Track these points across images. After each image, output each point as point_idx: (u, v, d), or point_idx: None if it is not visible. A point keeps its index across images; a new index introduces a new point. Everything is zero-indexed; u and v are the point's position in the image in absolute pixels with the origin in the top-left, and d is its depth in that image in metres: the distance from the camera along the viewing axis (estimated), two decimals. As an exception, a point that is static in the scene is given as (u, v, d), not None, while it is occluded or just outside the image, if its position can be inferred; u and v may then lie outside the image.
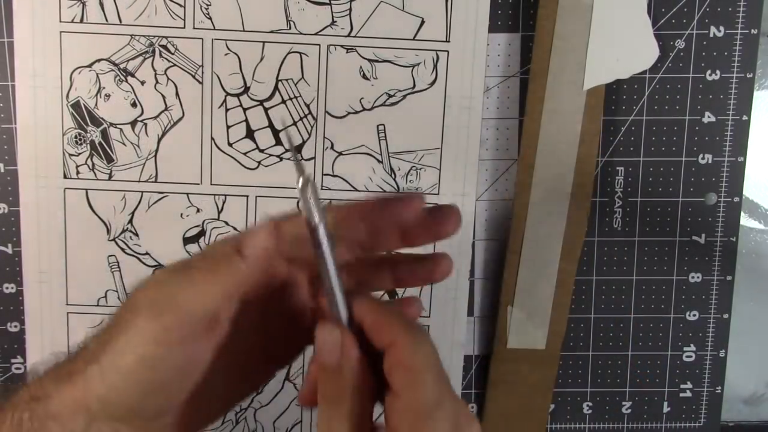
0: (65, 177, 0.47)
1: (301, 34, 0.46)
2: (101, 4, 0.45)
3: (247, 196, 0.47)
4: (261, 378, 0.33)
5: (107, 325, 0.28)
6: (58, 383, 0.28)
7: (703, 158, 0.48)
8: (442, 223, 0.30)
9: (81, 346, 0.29)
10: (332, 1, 0.45)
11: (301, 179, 0.27)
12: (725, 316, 0.50)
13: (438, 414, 0.26)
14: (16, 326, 0.48)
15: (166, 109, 0.46)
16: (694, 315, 0.50)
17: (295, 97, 0.46)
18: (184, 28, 0.46)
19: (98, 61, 0.46)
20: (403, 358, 0.26)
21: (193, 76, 0.46)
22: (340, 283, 0.27)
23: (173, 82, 0.46)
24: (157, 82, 0.46)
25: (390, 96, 0.47)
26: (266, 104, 0.47)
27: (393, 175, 0.47)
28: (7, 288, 0.48)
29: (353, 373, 0.26)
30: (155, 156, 0.47)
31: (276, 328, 0.32)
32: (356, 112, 0.47)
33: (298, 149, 0.28)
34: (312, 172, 0.27)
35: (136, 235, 0.47)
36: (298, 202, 0.29)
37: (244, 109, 0.47)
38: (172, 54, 0.46)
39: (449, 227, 0.30)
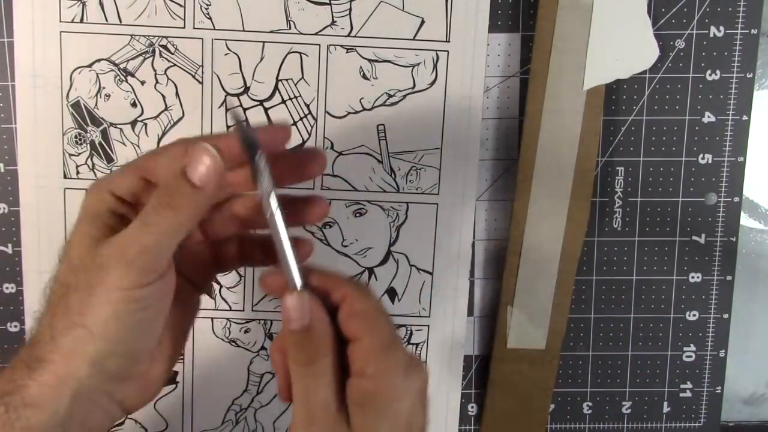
0: (65, 177, 0.47)
1: (301, 34, 0.46)
2: (101, 4, 0.45)
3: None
4: (193, 309, 0.35)
5: (59, 299, 0.28)
6: (30, 371, 0.28)
7: (703, 158, 0.48)
8: (306, 165, 0.32)
9: (33, 333, 0.29)
10: (332, 1, 0.45)
11: (258, 157, 0.29)
12: (725, 316, 0.50)
13: (394, 351, 0.29)
14: (16, 326, 0.48)
15: (166, 109, 0.46)
16: (694, 315, 0.50)
17: (295, 97, 0.47)
18: (184, 28, 0.46)
19: (98, 61, 0.46)
20: (357, 307, 0.29)
21: (193, 76, 0.46)
22: (294, 253, 0.29)
23: (173, 82, 0.46)
24: (157, 82, 0.46)
25: (390, 96, 0.47)
26: (266, 104, 0.47)
27: (393, 175, 0.47)
28: (7, 288, 0.48)
29: (323, 331, 0.29)
30: (155, 156, 0.47)
31: (194, 253, 0.34)
32: (356, 112, 0.47)
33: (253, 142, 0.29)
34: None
35: (136, 235, 0.47)
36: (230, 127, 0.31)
37: (245, 109, 0.47)
38: (172, 54, 0.46)
39: (313, 169, 0.32)
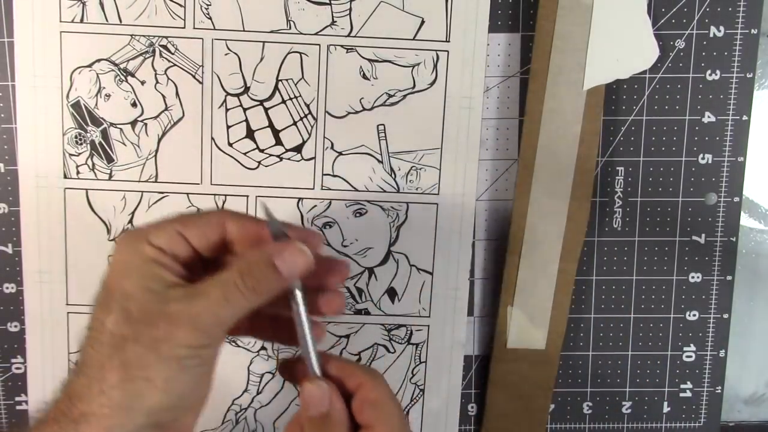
0: (65, 177, 0.47)
1: (301, 34, 0.46)
2: (101, 4, 0.45)
3: (248, 196, 0.47)
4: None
5: (113, 350, 0.28)
6: (77, 425, 0.28)
7: (703, 158, 0.48)
8: (329, 273, 0.34)
9: (74, 385, 0.29)
10: (332, 1, 0.45)
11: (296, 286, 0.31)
12: (725, 316, 0.50)
13: None
14: (16, 326, 0.48)
15: (166, 109, 0.46)
16: (694, 315, 0.50)
17: (295, 97, 0.46)
18: (184, 28, 0.46)
19: (98, 61, 0.46)
20: (371, 395, 0.32)
21: (193, 76, 0.46)
22: (314, 345, 0.32)
23: (173, 82, 0.46)
24: (157, 82, 0.46)
25: (390, 96, 0.47)
26: (266, 104, 0.47)
27: (393, 175, 0.47)
28: (7, 288, 0.48)
29: (341, 418, 0.31)
30: (155, 156, 0.47)
31: None
32: (356, 112, 0.47)
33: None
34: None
35: (136, 235, 0.47)
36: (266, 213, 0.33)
37: (244, 109, 0.47)
38: (172, 54, 0.46)
39: (335, 279, 0.34)
